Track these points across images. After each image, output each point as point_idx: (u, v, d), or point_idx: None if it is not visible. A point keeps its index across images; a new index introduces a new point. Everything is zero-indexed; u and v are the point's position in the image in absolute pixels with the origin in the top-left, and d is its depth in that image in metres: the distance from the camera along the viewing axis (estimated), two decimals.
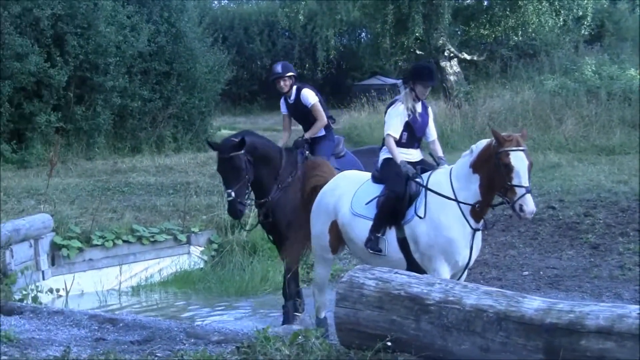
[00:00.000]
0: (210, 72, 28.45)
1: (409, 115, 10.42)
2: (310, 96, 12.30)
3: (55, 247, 13.94)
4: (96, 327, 8.50)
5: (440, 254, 9.50)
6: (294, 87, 12.33)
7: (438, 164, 10.20)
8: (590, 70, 29.83)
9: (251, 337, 7.34)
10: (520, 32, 39.48)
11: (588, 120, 25.18)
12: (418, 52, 39.59)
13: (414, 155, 10.53)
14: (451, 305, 6.67)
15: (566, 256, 10.85)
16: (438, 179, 9.82)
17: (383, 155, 10.46)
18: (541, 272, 13.19)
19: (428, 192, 9.70)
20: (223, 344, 7.51)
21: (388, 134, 10.36)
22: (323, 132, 12.48)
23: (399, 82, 37.37)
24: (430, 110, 10.90)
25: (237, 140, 11.48)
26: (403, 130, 10.44)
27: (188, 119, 27.44)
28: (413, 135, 10.53)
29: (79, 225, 14.52)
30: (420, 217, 9.55)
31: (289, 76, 12.34)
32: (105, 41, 23.60)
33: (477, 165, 9.53)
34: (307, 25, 41.41)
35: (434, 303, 6.73)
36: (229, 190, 11.28)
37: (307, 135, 12.35)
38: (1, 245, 12.38)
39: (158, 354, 7.24)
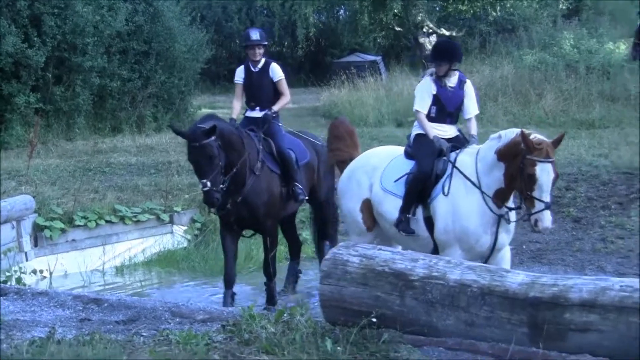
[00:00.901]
0: (189, 51, 28.40)
1: (436, 89, 10.31)
2: (278, 71, 11.97)
3: (37, 229, 13.92)
4: (81, 308, 8.50)
5: (455, 240, 9.46)
6: (263, 58, 11.99)
7: (468, 142, 9.98)
8: (568, 44, 29.91)
9: (236, 316, 7.34)
10: (498, 7, 39.72)
11: (567, 94, 25.26)
12: (397, 28, 39.69)
13: (447, 131, 10.34)
14: (435, 280, 6.70)
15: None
16: (464, 159, 9.70)
17: (415, 130, 10.35)
18: (524, 247, 13.21)
19: (454, 172, 9.60)
20: (208, 323, 7.52)
21: (416, 110, 10.34)
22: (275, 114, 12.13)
23: (378, 58, 37.45)
24: (468, 85, 10.62)
25: (207, 127, 10.89)
26: (432, 104, 10.33)
27: (168, 99, 27.42)
28: (443, 109, 10.34)
29: (61, 206, 14.49)
30: (445, 195, 9.44)
31: (264, 45, 12.03)
32: (82, 21, 23.51)
33: (503, 155, 9.31)
34: (286, 2, 41.36)
35: (418, 279, 6.75)
36: (204, 180, 10.75)
37: (275, 108, 11.93)
38: None
39: (143, 334, 7.25)
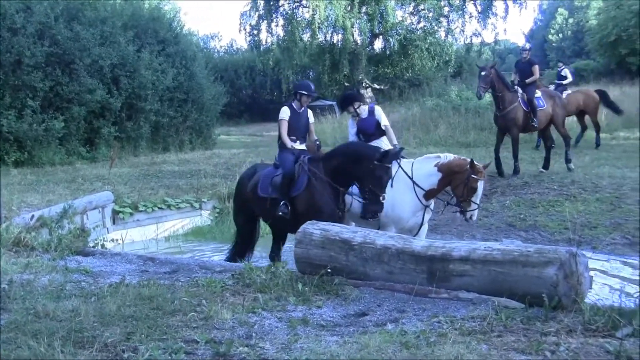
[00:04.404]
0: (213, 99, 28.37)
1: (356, 123, 10.38)
2: (311, 116, 10.05)
3: (115, 213, 13.88)
4: (142, 263, 8.48)
5: (392, 222, 9.29)
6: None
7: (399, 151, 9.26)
8: (454, 94, 30.05)
9: (241, 268, 7.35)
10: (410, 71, 39.87)
11: (453, 125, 25.39)
12: (346, 84, 39.68)
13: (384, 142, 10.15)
14: (368, 245, 6.73)
15: (440, 212, 10.92)
16: (405, 165, 9.48)
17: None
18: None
19: (399, 172, 9.31)
20: (223, 273, 7.51)
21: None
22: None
23: (334, 103, 37.08)
24: (376, 109, 10.43)
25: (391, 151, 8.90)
26: (357, 132, 10.36)
27: (199, 129, 27.38)
28: (366, 132, 10.26)
29: (130, 198, 14.45)
30: (390, 187, 8.94)
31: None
32: (145, 80, 23.50)
33: (443, 168, 9.21)
34: (275, 67, 41.42)
35: (357, 244, 6.78)
36: (384, 194, 8.55)
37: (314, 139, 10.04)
38: (81, 212, 12.36)
39: (181, 280, 7.24)
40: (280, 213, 9.00)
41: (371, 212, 8.66)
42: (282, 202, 9.06)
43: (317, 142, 9.92)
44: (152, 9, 27.38)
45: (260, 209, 9.63)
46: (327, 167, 8.97)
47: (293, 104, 9.85)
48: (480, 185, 9.02)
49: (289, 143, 9.61)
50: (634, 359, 4.31)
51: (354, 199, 9.28)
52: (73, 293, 6.53)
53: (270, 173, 9.49)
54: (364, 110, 10.40)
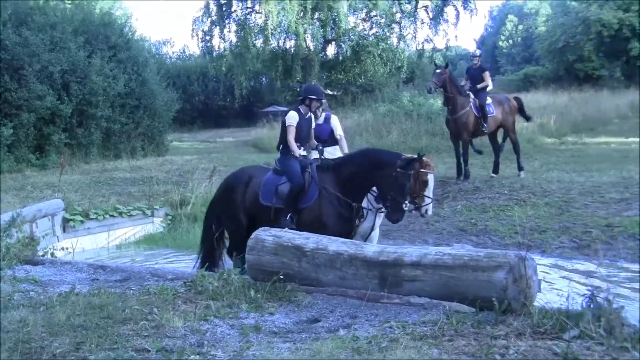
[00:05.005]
0: (165, 105, 28.14)
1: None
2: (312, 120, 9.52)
3: (65, 221, 13.69)
4: (92, 271, 8.36)
5: None
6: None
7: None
8: (406, 100, 30.23)
9: (194, 276, 7.30)
10: (362, 77, 40.10)
11: (405, 131, 25.53)
12: (299, 90, 39.77)
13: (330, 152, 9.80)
14: (321, 251, 6.73)
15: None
16: None
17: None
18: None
19: None
20: (175, 280, 7.45)
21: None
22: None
23: (287, 109, 37.49)
24: (333, 118, 10.16)
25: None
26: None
27: (151, 135, 27.13)
28: (318, 139, 9.81)
29: (81, 205, 14.27)
30: None
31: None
32: (95, 86, 23.23)
33: None
34: (228, 73, 41.32)
35: (310, 250, 6.77)
36: (407, 202, 8.38)
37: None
38: (30, 220, 12.17)
39: (133, 288, 7.16)
40: (287, 228, 8.18)
41: (394, 220, 8.54)
42: (288, 216, 8.64)
43: (320, 147, 9.45)
44: (103, 15, 27.10)
45: (261, 218, 8.79)
46: (340, 176, 8.66)
47: (301, 109, 9.34)
48: (431, 178, 8.70)
49: (296, 151, 9.08)
50: None
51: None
52: (21, 303, 6.42)
53: (274, 180, 9.01)
54: (321, 115, 10.21)
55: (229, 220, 9.29)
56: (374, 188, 8.76)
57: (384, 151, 8.99)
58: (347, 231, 8.59)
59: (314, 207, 8.66)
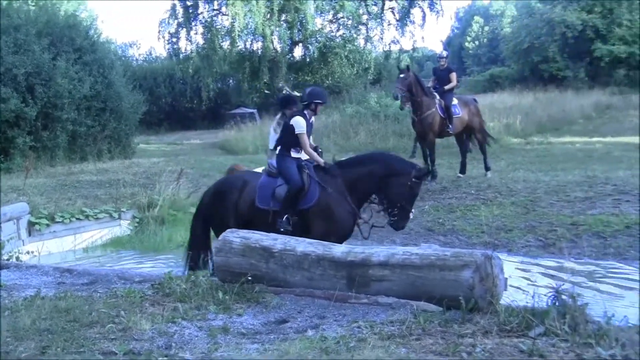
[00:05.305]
0: (132, 107, 27.90)
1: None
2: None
3: (30, 224, 13.54)
4: (58, 275, 8.28)
5: None
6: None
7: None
8: (374, 101, 30.30)
9: (161, 278, 7.26)
10: (330, 78, 40.14)
11: (373, 132, 25.64)
12: (266, 91, 39.78)
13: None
14: (289, 252, 6.73)
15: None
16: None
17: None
18: None
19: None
20: (143, 283, 7.41)
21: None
22: None
23: (255, 110, 37.11)
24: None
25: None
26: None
27: (117, 138, 26.88)
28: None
29: (46, 209, 14.13)
30: None
31: None
32: (61, 89, 22.96)
33: None
34: (195, 75, 41.15)
35: (277, 251, 6.77)
36: (414, 210, 8.57)
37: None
38: None
39: (100, 291, 7.11)
40: (282, 229, 8.31)
41: (400, 228, 8.55)
42: (285, 217, 8.51)
43: (320, 150, 9.28)
44: (68, 17, 26.84)
45: (258, 222, 8.59)
46: (345, 178, 8.54)
47: (306, 114, 9.16)
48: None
49: (320, 160, 8.88)
50: (546, 357, 4.43)
51: None
52: None
53: (269, 183, 8.84)
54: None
55: (218, 225, 8.87)
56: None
57: (396, 158, 8.92)
58: (350, 230, 8.60)
59: (320, 206, 8.53)
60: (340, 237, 8.35)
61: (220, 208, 8.96)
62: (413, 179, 8.23)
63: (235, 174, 9.85)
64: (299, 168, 8.80)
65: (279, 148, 9.12)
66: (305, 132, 8.95)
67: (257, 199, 8.77)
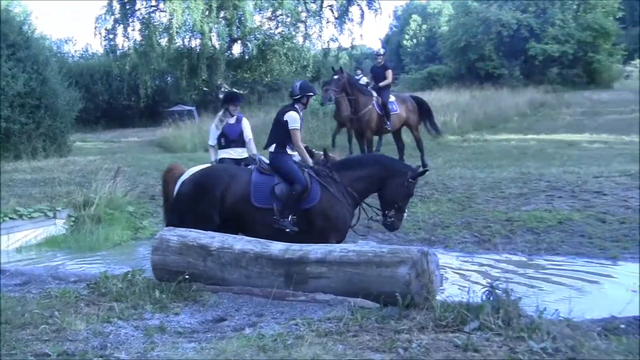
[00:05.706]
0: (67, 104, 27.41)
1: (222, 127, 10.33)
2: None
3: None
4: None
5: None
6: None
7: (255, 160, 8.99)
8: (312, 98, 30.23)
9: (97, 277, 7.17)
10: (269, 75, 40.10)
11: (312, 129, 25.62)
12: (205, 89, 39.54)
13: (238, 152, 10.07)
14: (226, 250, 6.73)
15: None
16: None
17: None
18: None
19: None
20: (78, 283, 7.31)
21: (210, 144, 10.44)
22: None
23: (193, 108, 36.78)
24: (244, 120, 10.45)
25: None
26: (220, 136, 10.29)
27: (53, 136, 26.38)
28: (227, 138, 10.20)
29: None
30: None
31: None
32: None
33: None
34: (132, 72, 40.68)
35: (215, 249, 6.77)
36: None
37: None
38: None
39: (33, 292, 7.00)
40: (288, 230, 7.97)
41: (396, 227, 8.58)
42: (290, 218, 8.12)
43: (312, 150, 9.09)
44: (1, 12, 26.27)
45: (254, 221, 8.19)
46: (345, 177, 8.40)
47: (298, 108, 8.93)
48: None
49: (308, 160, 8.70)
50: (480, 351, 4.50)
51: None
52: None
53: (265, 181, 8.38)
54: (234, 115, 10.39)
55: (199, 219, 8.15)
56: None
57: (394, 159, 9.15)
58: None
59: (322, 206, 8.26)
60: (341, 237, 8.29)
61: (201, 202, 8.32)
62: (410, 180, 8.31)
63: (215, 166, 9.46)
64: (298, 167, 8.57)
65: (273, 146, 8.74)
66: (299, 127, 8.76)
67: (253, 197, 8.29)
